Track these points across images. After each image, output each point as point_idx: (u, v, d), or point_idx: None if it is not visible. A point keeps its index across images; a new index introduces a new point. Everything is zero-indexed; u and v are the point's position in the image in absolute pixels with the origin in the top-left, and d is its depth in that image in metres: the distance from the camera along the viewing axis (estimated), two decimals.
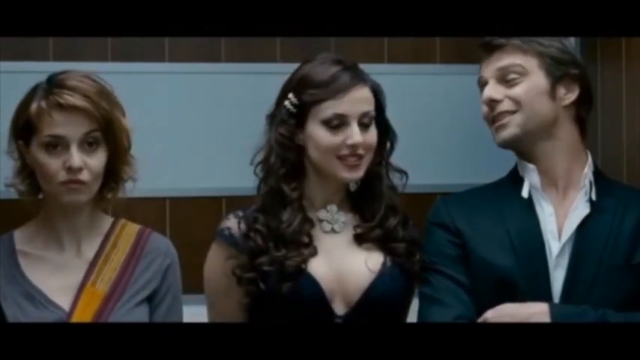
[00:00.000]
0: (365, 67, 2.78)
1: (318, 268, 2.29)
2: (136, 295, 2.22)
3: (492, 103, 2.32)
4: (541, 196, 2.31)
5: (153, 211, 2.87)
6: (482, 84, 2.37)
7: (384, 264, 2.31)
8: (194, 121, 2.96)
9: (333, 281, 2.29)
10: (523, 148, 2.33)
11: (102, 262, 2.23)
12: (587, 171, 2.32)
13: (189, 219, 2.92)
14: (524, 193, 2.31)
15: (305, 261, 2.27)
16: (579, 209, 2.29)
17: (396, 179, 2.38)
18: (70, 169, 2.15)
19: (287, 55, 2.73)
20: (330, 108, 2.26)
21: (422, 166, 3.05)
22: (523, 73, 2.31)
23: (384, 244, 2.34)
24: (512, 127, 2.32)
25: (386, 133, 2.38)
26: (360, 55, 2.95)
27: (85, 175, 2.17)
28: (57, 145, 2.16)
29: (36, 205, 2.29)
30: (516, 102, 2.30)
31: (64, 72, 2.22)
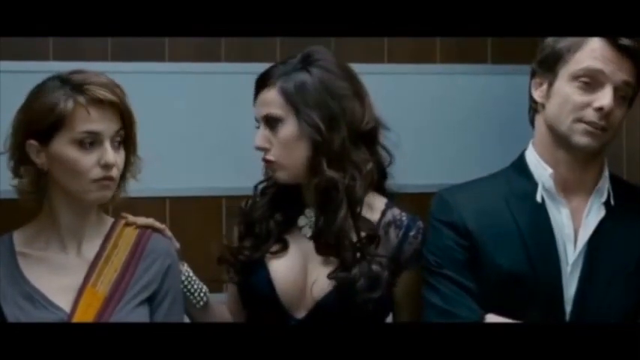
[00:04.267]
0: (365, 67, 2.79)
1: (281, 270, 2.34)
2: (136, 297, 2.21)
3: (608, 114, 2.22)
4: (557, 199, 2.29)
5: (153, 211, 2.86)
6: (598, 84, 2.23)
7: (340, 277, 2.30)
8: (194, 120, 2.95)
9: (295, 284, 2.33)
10: (593, 156, 2.29)
11: (102, 263, 2.23)
12: (605, 174, 2.31)
13: (189, 219, 2.91)
14: (539, 198, 2.28)
15: (257, 254, 2.35)
16: (594, 213, 2.28)
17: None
18: (105, 166, 2.16)
19: (287, 55, 2.71)
20: None
21: (421, 166, 3.05)
22: (628, 96, 2.27)
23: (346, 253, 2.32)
24: (599, 140, 2.24)
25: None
26: (360, 55, 2.96)
27: (114, 172, 2.19)
28: (92, 141, 2.16)
29: (35, 206, 2.28)
30: (616, 123, 2.26)
31: (78, 71, 2.22)
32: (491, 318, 2.22)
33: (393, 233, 2.35)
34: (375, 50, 3.01)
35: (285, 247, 2.36)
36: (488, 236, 2.27)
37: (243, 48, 2.92)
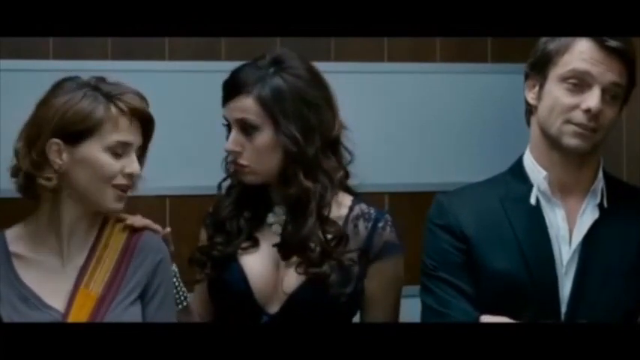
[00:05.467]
0: (365, 66, 2.79)
1: (254, 266, 2.37)
2: (129, 295, 2.22)
3: (596, 115, 2.22)
4: (552, 200, 2.29)
5: (153, 210, 2.87)
6: (586, 85, 2.23)
7: (311, 272, 2.33)
8: (194, 118, 2.96)
9: (268, 280, 2.36)
10: (584, 157, 2.30)
11: (94, 263, 2.23)
12: (599, 175, 2.31)
13: (189, 217, 2.91)
14: (533, 200, 2.29)
15: (229, 250, 2.37)
16: (588, 213, 2.28)
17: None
18: (129, 175, 2.20)
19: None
20: None
21: (421, 165, 3.05)
22: (619, 96, 2.27)
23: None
24: (589, 141, 2.25)
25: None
26: (360, 55, 2.96)
27: (133, 183, 2.23)
28: (122, 152, 2.19)
29: (29, 205, 2.28)
30: (607, 123, 2.26)
31: (101, 78, 2.24)
32: (486, 319, 2.22)
33: (362, 226, 2.39)
34: (375, 49, 3.01)
35: (256, 244, 2.40)
36: (483, 239, 2.28)
37: (243, 47, 2.91)
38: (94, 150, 2.18)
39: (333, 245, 2.34)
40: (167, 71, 2.94)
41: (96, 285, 2.21)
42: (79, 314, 2.17)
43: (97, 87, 2.20)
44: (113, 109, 2.18)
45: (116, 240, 2.27)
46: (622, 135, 2.92)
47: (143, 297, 2.24)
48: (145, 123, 2.24)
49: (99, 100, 2.18)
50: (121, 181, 2.20)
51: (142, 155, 2.27)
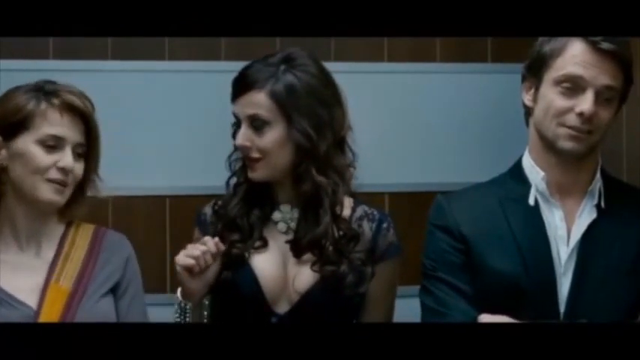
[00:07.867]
0: (365, 66, 2.78)
1: (264, 265, 2.36)
2: (99, 288, 2.27)
3: (590, 118, 2.23)
4: (550, 201, 2.30)
5: (153, 209, 2.87)
6: (579, 89, 2.24)
7: (328, 270, 2.33)
8: (194, 118, 2.96)
9: (277, 279, 2.35)
10: (581, 158, 2.30)
11: (62, 260, 2.28)
12: (597, 176, 2.32)
13: (189, 217, 2.91)
14: (531, 201, 2.30)
15: (245, 251, 2.35)
16: (586, 214, 2.29)
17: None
18: (62, 169, 2.22)
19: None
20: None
21: (421, 165, 3.05)
22: (614, 98, 2.27)
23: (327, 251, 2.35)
24: (584, 143, 2.26)
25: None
26: (360, 55, 2.96)
27: (69, 178, 2.24)
28: (55, 145, 2.22)
29: None
30: (603, 125, 2.26)
31: (51, 81, 2.28)
32: (485, 318, 2.22)
33: (366, 226, 2.41)
34: (375, 49, 3.01)
35: (265, 243, 2.39)
36: (482, 239, 2.29)
37: (243, 47, 2.91)
38: (27, 143, 2.23)
39: (344, 243, 2.35)
40: (167, 71, 2.93)
41: (66, 280, 2.25)
42: (52, 309, 2.20)
43: (42, 87, 2.26)
44: (43, 103, 2.23)
45: (82, 238, 2.32)
46: (622, 135, 2.92)
47: (115, 291, 2.29)
48: (82, 120, 2.26)
49: (37, 97, 2.24)
50: (54, 175, 2.23)
51: (90, 154, 2.29)
